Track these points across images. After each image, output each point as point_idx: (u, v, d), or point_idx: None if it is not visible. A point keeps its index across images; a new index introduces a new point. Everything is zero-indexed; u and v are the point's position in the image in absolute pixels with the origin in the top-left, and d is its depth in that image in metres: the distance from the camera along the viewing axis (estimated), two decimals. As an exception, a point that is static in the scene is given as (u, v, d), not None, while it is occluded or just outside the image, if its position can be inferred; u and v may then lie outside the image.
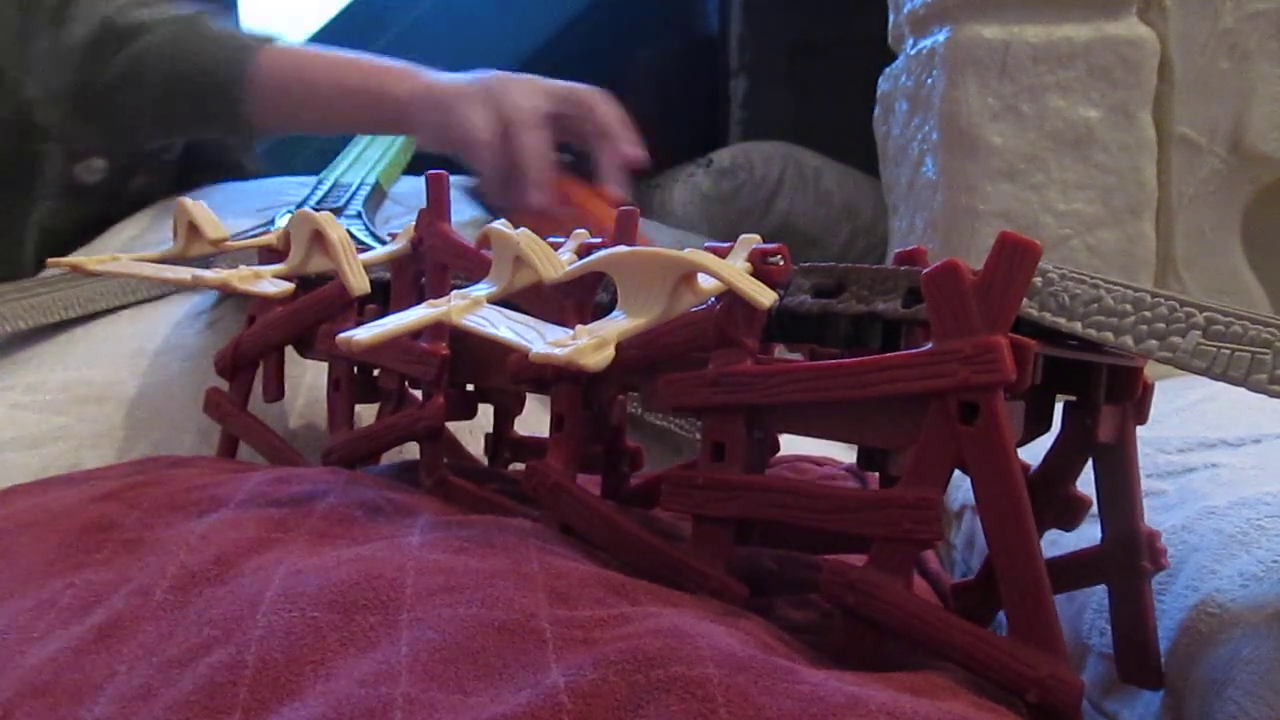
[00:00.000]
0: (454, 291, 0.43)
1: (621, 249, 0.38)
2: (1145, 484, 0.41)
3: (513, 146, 0.74)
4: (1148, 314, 0.35)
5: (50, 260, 0.52)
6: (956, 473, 0.34)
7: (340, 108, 0.79)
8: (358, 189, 0.96)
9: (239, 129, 0.82)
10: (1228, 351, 0.34)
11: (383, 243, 0.58)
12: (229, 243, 0.53)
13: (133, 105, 0.79)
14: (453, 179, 0.50)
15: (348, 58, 0.81)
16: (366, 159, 1.05)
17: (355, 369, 0.57)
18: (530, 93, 0.76)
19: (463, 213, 0.85)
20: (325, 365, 0.60)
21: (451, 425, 0.57)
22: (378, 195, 0.98)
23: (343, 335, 0.37)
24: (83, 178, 0.94)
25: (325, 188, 0.97)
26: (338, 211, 0.87)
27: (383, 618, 0.33)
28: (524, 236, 0.42)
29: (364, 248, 0.53)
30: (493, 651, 0.31)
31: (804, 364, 0.37)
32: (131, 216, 0.93)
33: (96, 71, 0.77)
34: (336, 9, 1.37)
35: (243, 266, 0.49)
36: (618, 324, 0.36)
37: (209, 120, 0.80)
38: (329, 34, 1.36)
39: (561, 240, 0.49)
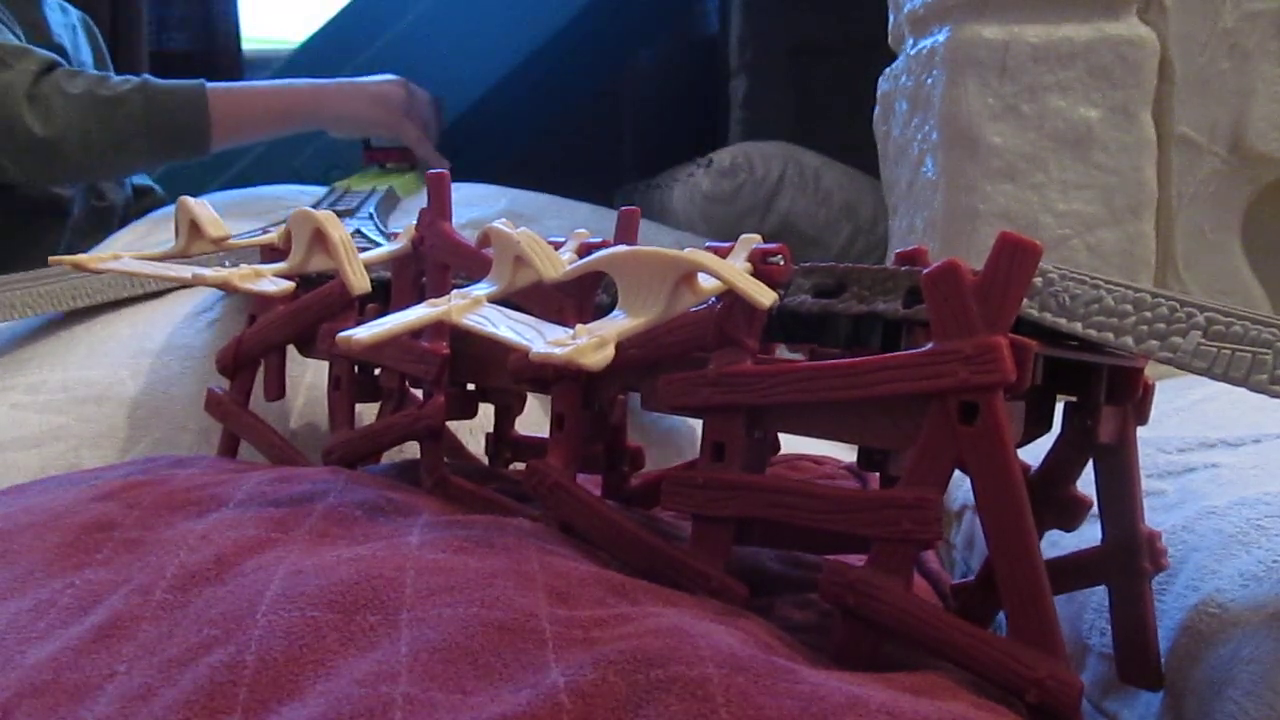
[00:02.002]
0: (454, 291, 0.43)
1: (622, 248, 0.38)
2: (1145, 484, 0.41)
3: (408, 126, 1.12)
4: (1148, 314, 0.35)
5: (53, 259, 0.52)
6: (956, 473, 0.34)
7: (273, 123, 1.08)
8: (370, 195, 0.97)
9: (200, 151, 1.04)
10: (1228, 352, 0.34)
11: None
12: (230, 241, 0.53)
13: (116, 157, 1.01)
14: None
15: (266, 85, 1.12)
16: (380, 175, 1.09)
17: (356, 368, 0.57)
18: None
19: (462, 214, 0.85)
20: (326, 364, 0.60)
21: (452, 425, 0.57)
22: (390, 200, 0.99)
23: (343, 334, 0.37)
24: (105, 197, 1.16)
25: (338, 193, 0.98)
26: (349, 213, 0.88)
27: (383, 617, 0.33)
28: (525, 236, 0.42)
29: (366, 247, 0.53)
30: (492, 651, 0.31)
31: (804, 364, 0.37)
32: (131, 224, 0.97)
33: (86, 139, 0.98)
34: (336, 9, 1.37)
35: (244, 265, 0.49)
36: (618, 323, 0.36)
37: (184, 151, 1.04)
38: (328, 34, 1.36)
39: (561, 240, 0.49)
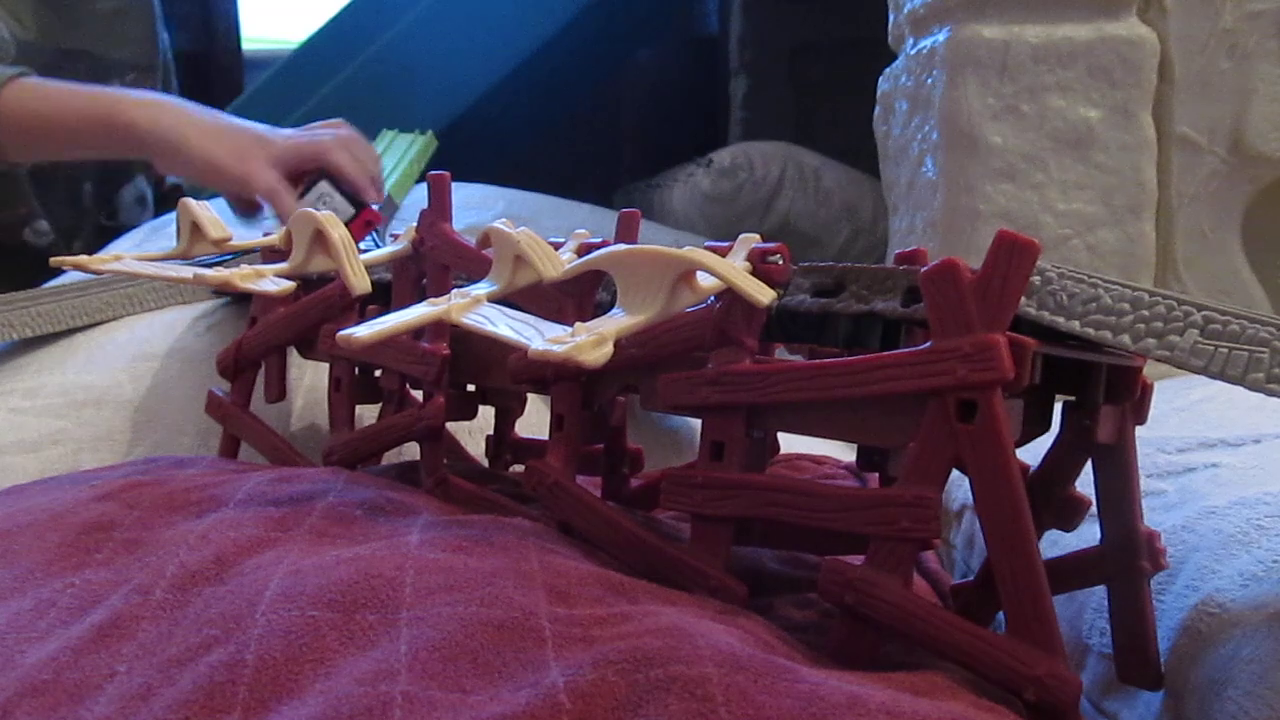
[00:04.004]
0: (454, 290, 0.43)
1: (621, 247, 0.38)
2: (1145, 484, 0.41)
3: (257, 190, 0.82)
4: (1146, 313, 0.35)
5: (54, 260, 0.52)
6: (956, 473, 0.34)
7: (84, 136, 0.84)
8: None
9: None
10: (1225, 350, 0.34)
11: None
12: (231, 243, 0.53)
13: None
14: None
15: (95, 90, 0.86)
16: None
17: (356, 369, 0.57)
18: (277, 157, 0.83)
19: (461, 217, 0.85)
20: (325, 366, 0.60)
21: (452, 426, 0.57)
22: (389, 206, 0.99)
23: (343, 333, 0.37)
24: (32, 241, 1.00)
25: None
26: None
27: (382, 617, 0.33)
28: (524, 236, 0.42)
29: (367, 249, 0.53)
30: (492, 650, 0.31)
31: (803, 363, 0.38)
32: (127, 232, 0.96)
33: None
34: (336, 9, 1.37)
35: (245, 265, 0.49)
36: (617, 321, 0.36)
37: None
38: (328, 34, 1.36)
39: (561, 240, 0.49)
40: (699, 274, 0.36)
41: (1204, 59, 0.74)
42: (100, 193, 1.14)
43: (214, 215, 0.53)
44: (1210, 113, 0.75)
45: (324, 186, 0.84)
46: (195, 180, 0.87)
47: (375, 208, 0.87)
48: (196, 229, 0.53)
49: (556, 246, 0.47)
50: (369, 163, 0.88)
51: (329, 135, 0.86)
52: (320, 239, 0.48)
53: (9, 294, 0.72)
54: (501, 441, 0.59)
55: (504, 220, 0.44)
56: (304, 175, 0.85)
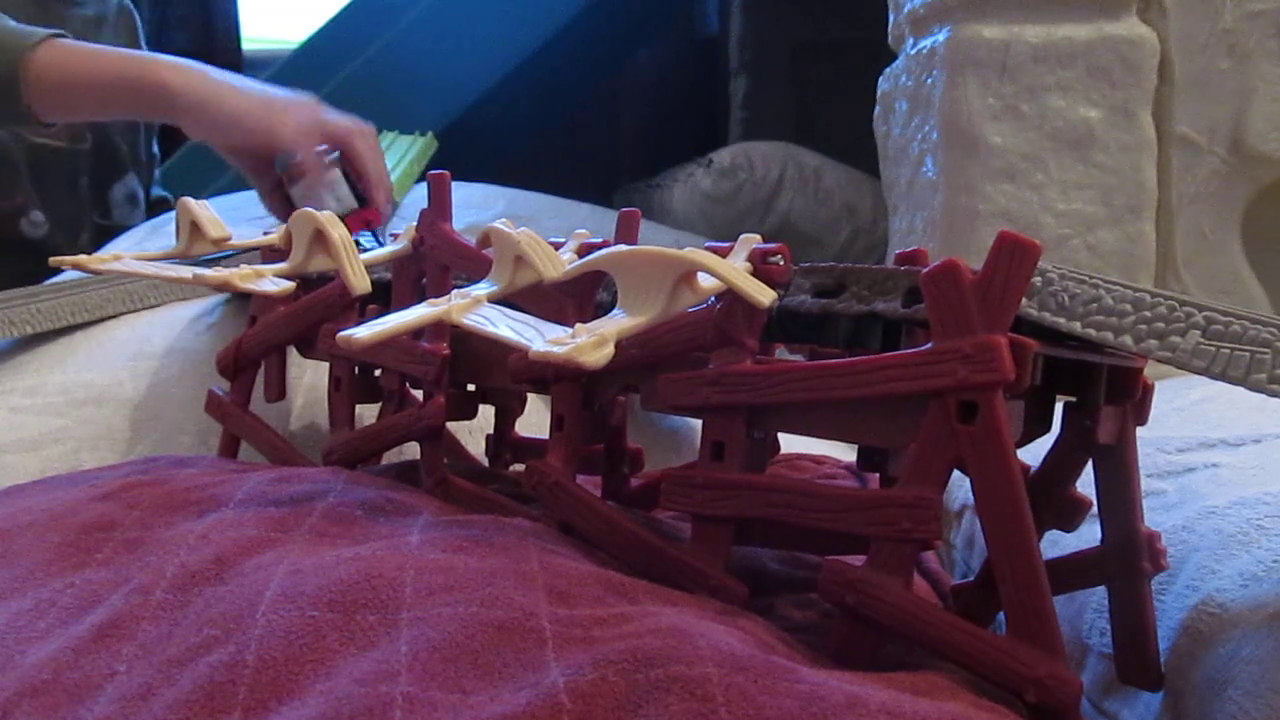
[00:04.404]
0: (455, 291, 0.43)
1: (622, 248, 0.38)
2: (1145, 484, 0.41)
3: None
4: (1147, 314, 0.35)
5: (53, 260, 0.52)
6: (956, 473, 0.34)
7: (115, 97, 0.85)
8: None
9: (21, 118, 0.86)
10: (1227, 351, 0.34)
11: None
12: (231, 242, 0.53)
13: None
14: None
15: (126, 52, 0.88)
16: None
17: (356, 369, 0.57)
18: (307, 118, 0.84)
19: (461, 216, 0.85)
20: (325, 365, 0.60)
21: (452, 426, 0.57)
22: (388, 205, 0.98)
23: (343, 333, 0.37)
24: (28, 232, 1.01)
25: None
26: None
27: (382, 617, 0.33)
28: (525, 236, 0.42)
29: (367, 248, 0.53)
30: (492, 650, 0.31)
31: (803, 364, 0.37)
32: (124, 231, 0.96)
33: None
34: (336, 9, 1.37)
35: (244, 265, 0.49)
36: (617, 322, 0.36)
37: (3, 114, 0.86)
38: (328, 34, 1.36)
39: (562, 240, 0.49)
40: (700, 275, 0.36)
41: (1204, 59, 0.74)
42: (95, 188, 1.14)
43: (213, 214, 0.53)
44: (1210, 113, 0.75)
45: (335, 173, 0.83)
46: (222, 140, 0.86)
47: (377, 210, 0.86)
48: (196, 228, 0.53)
49: (557, 247, 0.47)
50: (382, 165, 0.88)
51: (352, 122, 0.86)
52: (320, 239, 0.48)
53: (8, 291, 0.72)
54: (502, 441, 0.59)
55: (504, 220, 0.44)
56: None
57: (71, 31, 0.94)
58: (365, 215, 0.84)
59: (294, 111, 0.83)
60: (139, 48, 1.15)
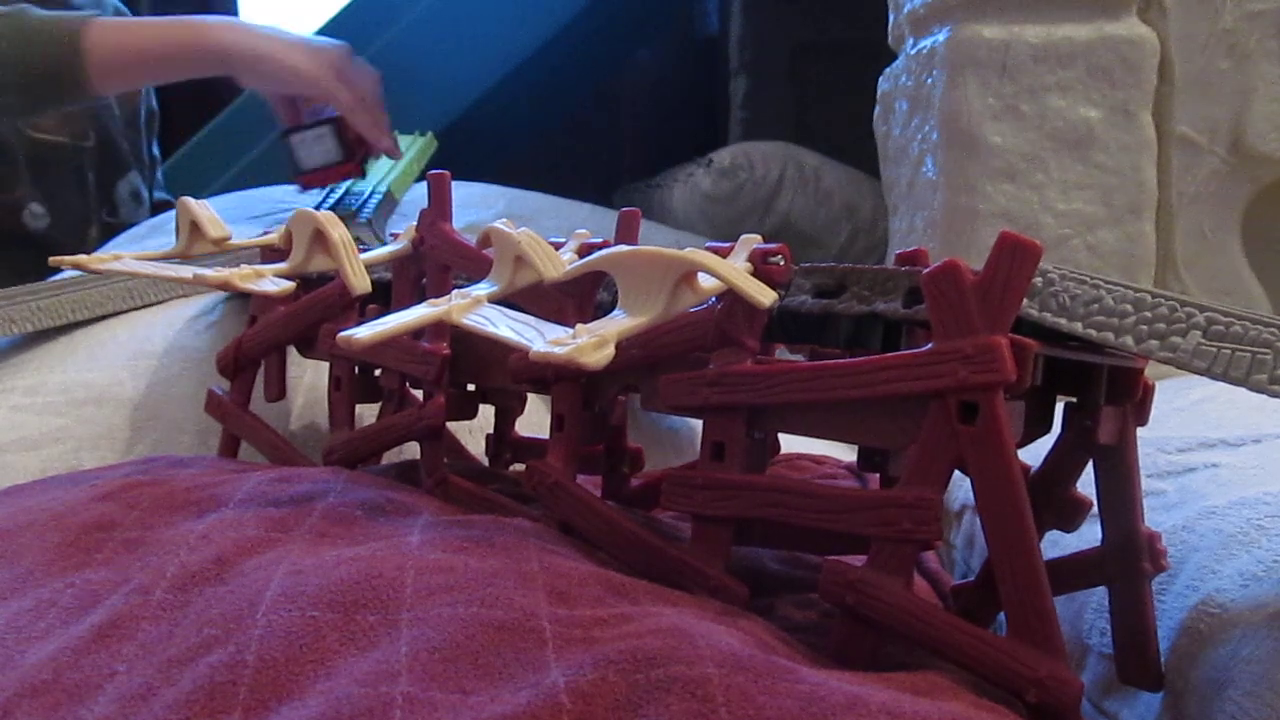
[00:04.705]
0: (455, 291, 0.43)
1: (623, 248, 0.38)
2: (1145, 484, 0.41)
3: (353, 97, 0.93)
4: (1148, 314, 0.35)
5: (53, 259, 0.52)
6: (957, 473, 0.34)
7: (170, 60, 0.92)
8: (369, 196, 0.96)
9: (82, 94, 0.92)
10: (1228, 351, 0.34)
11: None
12: (231, 242, 0.53)
13: None
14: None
15: (169, 20, 0.94)
16: (379, 168, 1.07)
17: (356, 369, 0.57)
18: (331, 64, 0.94)
19: (461, 216, 0.85)
20: (326, 365, 0.60)
21: (452, 425, 0.57)
22: (389, 203, 0.99)
23: (343, 334, 0.37)
24: (30, 225, 1.04)
25: (338, 194, 0.98)
26: (350, 216, 0.88)
27: (383, 617, 0.33)
28: (525, 236, 0.42)
29: (367, 247, 0.53)
30: (493, 651, 0.31)
31: (804, 364, 0.37)
32: (128, 230, 0.96)
33: None
34: (336, 8, 1.37)
35: (244, 265, 0.49)
36: (618, 323, 0.36)
37: (55, 92, 0.91)
38: (328, 34, 1.36)
39: (562, 240, 0.49)
40: (700, 275, 0.36)
41: (1204, 59, 0.74)
42: (101, 185, 1.15)
43: (213, 214, 0.53)
44: (1210, 113, 0.75)
45: (327, 129, 0.93)
46: (275, 88, 0.94)
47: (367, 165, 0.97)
48: (195, 228, 0.53)
49: (557, 247, 0.47)
50: (377, 120, 0.95)
51: (365, 78, 0.95)
52: (320, 238, 0.48)
53: (8, 289, 0.72)
54: (502, 441, 0.59)
55: (504, 220, 0.44)
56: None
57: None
58: (346, 169, 0.93)
59: (333, 63, 0.92)
60: None
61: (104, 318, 0.74)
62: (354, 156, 0.93)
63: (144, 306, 0.76)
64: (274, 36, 0.92)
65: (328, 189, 1.00)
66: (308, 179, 0.96)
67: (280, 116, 0.97)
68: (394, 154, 0.99)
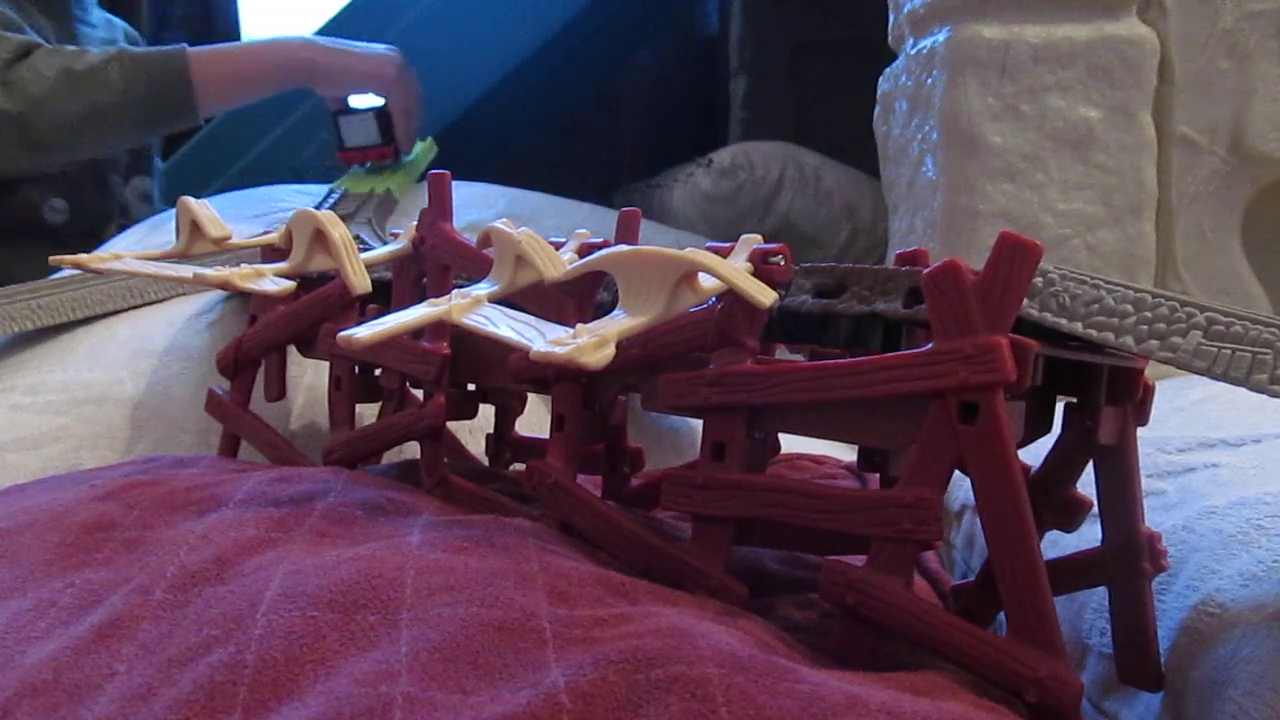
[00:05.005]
0: (455, 290, 0.43)
1: (623, 248, 0.38)
2: (1145, 484, 0.41)
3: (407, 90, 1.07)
4: (1149, 314, 0.35)
5: (54, 258, 0.52)
6: (957, 473, 0.34)
7: (263, 80, 1.03)
8: (368, 198, 0.97)
9: (190, 120, 1.02)
10: (1229, 352, 0.34)
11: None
12: (231, 241, 0.53)
13: (96, 129, 0.98)
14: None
15: (255, 43, 1.06)
16: (379, 168, 1.08)
17: (357, 368, 0.57)
18: (404, 74, 1.07)
19: (461, 215, 0.85)
20: (326, 364, 0.60)
21: (452, 425, 0.57)
22: (388, 203, 0.99)
23: (344, 333, 0.37)
24: (49, 219, 1.09)
25: (337, 194, 0.98)
26: (349, 218, 0.88)
27: (383, 617, 0.33)
28: (526, 236, 0.42)
29: (366, 247, 0.53)
30: (493, 651, 0.31)
31: (804, 364, 0.37)
32: (130, 228, 0.97)
33: (61, 112, 0.95)
34: (336, 9, 1.37)
35: (245, 265, 0.49)
36: (618, 322, 0.36)
37: (169, 120, 1.01)
38: (328, 34, 1.36)
39: (562, 240, 0.49)
40: (700, 275, 0.36)
41: (1204, 59, 0.74)
42: (120, 184, 1.18)
43: (213, 214, 0.53)
44: (1210, 113, 0.75)
45: (371, 115, 1.06)
46: (351, 93, 1.07)
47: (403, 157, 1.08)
48: (196, 227, 0.53)
49: (557, 246, 0.47)
50: (413, 114, 1.08)
51: (411, 77, 1.07)
52: (320, 238, 0.48)
53: (8, 287, 0.72)
54: (502, 440, 0.59)
55: (504, 220, 0.44)
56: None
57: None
58: (381, 151, 1.07)
59: (396, 67, 1.05)
60: None
61: (104, 316, 0.74)
62: (389, 143, 1.07)
63: (145, 305, 0.76)
64: (347, 50, 1.05)
65: (328, 190, 1.02)
66: (347, 155, 1.09)
67: (329, 102, 1.08)
68: (389, 155, 1.09)
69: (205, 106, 1.01)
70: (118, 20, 1.23)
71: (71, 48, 0.98)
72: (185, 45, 1.01)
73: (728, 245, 0.41)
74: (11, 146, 0.95)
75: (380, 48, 1.08)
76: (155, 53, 0.99)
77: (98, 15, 1.19)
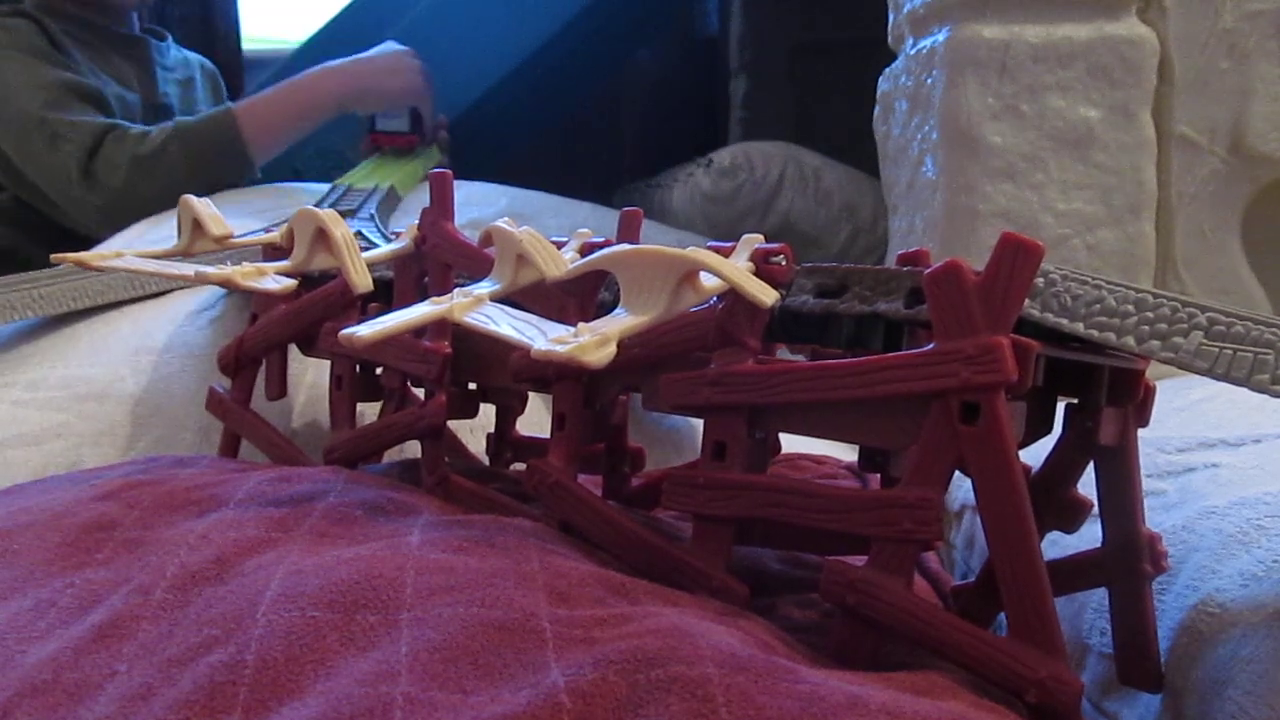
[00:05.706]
0: (456, 289, 0.43)
1: (625, 247, 0.38)
2: (1145, 484, 0.41)
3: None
4: (1150, 315, 0.35)
5: (55, 256, 0.52)
6: (957, 473, 0.34)
7: (306, 120, 1.12)
8: (371, 193, 0.97)
9: (247, 172, 1.10)
10: (1230, 352, 0.34)
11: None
12: (232, 240, 0.53)
13: (168, 203, 1.01)
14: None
15: (287, 86, 1.13)
16: (380, 167, 1.09)
17: (358, 367, 0.57)
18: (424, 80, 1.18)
19: (463, 214, 0.85)
20: (327, 363, 0.60)
21: (453, 424, 0.57)
22: (391, 200, 0.99)
23: (345, 332, 0.37)
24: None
25: (339, 192, 0.99)
26: (351, 214, 0.88)
27: (383, 617, 0.33)
28: (527, 235, 0.42)
29: (368, 246, 0.53)
30: (493, 651, 0.31)
31: (805, 364, 0.37)
32: (131, 226, 0.97)
33: (138, 196, 1.02)
34: (336, 9, 1.37)
35: (246, 263, 0.49)
36: (620, 321, 0.36)
37: (231, 176, 1.08)
38: (329, 34, 1.36)
39: (564, 240, 0.49)
40: (702, 274, 0.36)
41: (1204, 59, 0.74)
42: None
43: (215, 212, 0.53)
44: (1210, 113, 0.75)
45: (404, 109, 1.17)
46: (381, 109, 1.16)
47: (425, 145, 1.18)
48: (197, 226, 0.53)
49: (559, 245, 0.47)
50: (431, 106, 1.20)
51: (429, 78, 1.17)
52: (322, 237, 0.48)
53: (9, 276, 0.73)
54: (503, 440, 0.59)
55: (506, 219, 0.44)
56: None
57: (167, 94, 1.21)
58: (408, 138, 1.18)
59: (422, 76, 1.16)
60: (223, 100, 1.31)
61: (105, 307, 0.74)
62: (416, 132, 1.18)
63: (145, 297, 0.76)
64: (375, 69, 1.14)
65: (330, 187, 1.02)
66: (377, 138, 1.18)
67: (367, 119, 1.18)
68: (414, 143, 1.19)
69: (260, 158, 1.09)
70: (193, 56, 1.31)
71: (135, 130, 1.05)
72: (229, 104, 1.09)
73: (729, 245, 0.41)
74: (95, 225, 1.04)
75: (394, 48, 1.16)
76: (207, 120, 1.07)
77: (174, 57, 1.26)
